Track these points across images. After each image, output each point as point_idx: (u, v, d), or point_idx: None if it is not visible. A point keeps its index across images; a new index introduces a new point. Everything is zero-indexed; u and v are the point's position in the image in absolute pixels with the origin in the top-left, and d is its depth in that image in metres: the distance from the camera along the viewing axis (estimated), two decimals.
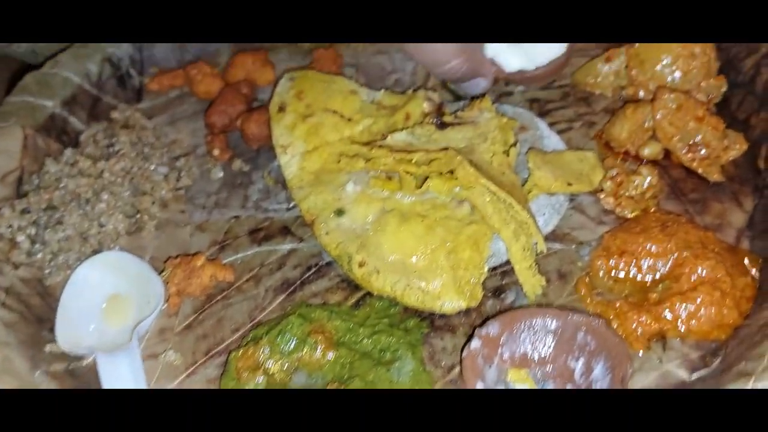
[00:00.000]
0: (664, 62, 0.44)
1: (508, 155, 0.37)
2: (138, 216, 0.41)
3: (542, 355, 0.32)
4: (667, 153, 0.41)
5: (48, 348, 0.35)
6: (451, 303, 0.34)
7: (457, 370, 0.33)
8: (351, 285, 0.37)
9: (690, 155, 0.40)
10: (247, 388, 0.32)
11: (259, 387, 0.32)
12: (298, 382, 0.33)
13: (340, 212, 0.38)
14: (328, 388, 0.32)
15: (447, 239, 0.35)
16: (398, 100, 0.42)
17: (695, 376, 0.31)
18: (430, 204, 0.36)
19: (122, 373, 0.32)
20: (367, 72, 0.50)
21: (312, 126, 0.42)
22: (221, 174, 0.44)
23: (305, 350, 0.33)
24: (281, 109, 0.43)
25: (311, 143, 0.41)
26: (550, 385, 0.31)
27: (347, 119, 0.42)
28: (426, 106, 0.40)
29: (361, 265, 0.36)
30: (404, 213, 0.36)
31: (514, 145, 0.38)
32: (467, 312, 0.35)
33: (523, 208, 0.34)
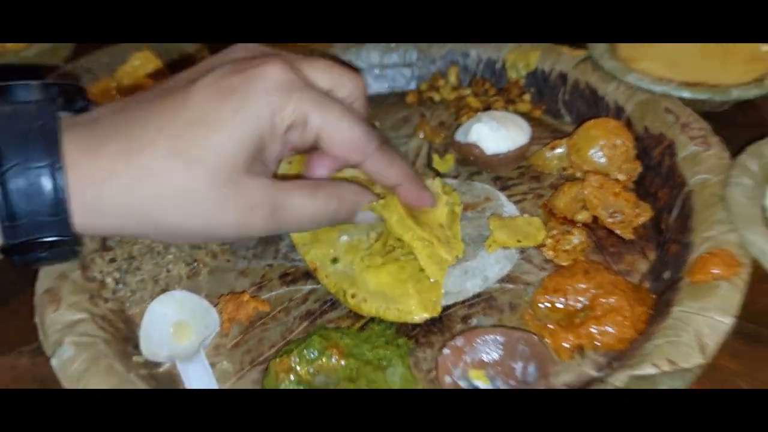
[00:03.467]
0: (594, 150, 0.57)
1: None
2: (195, 264, 0.54)
3: (493, 360, 0.44)
4: (595, 218, 0.55)
5: (135, 359, 0.47)
6: (419, 316, 0.47)
7: (433, 372, 0.45)
8: (356, 315, 0.50)
9: (610, 220, 0.54)
10: (282, 386, 0.45)
11: (291, 385, 0.45)
12: (319, 382, 0.45)
13: (335, 260, 0.51)
14: (340, 387, 0.44)
15: (413, 273, 0.48)
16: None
17: (602, 374, 0.43)
18: (401, 252, 0.49)
19: (198, 374, 0.45)
20: None
21: None
22: None
23: (323, 359, 0.45)
24: None
25: None
26: (499, 382, 0.43)
27: None
28: None
29: (353, 296, 0.48)
30: (383, 257, 0.49)
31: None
32: (442, 333, 0.47)
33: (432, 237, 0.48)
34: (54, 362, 0.44)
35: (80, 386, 0.42)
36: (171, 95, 0.39)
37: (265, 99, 0.38)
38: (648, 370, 0.39)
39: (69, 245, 0.38)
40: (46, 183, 0.35)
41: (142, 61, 0.68)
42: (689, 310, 0.42)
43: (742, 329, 0.44)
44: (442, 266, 0.48)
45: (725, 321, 0.41)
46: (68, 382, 0.43)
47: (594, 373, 0.44)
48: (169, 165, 0.37)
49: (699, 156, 0.53)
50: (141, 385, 0.43)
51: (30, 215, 0.35)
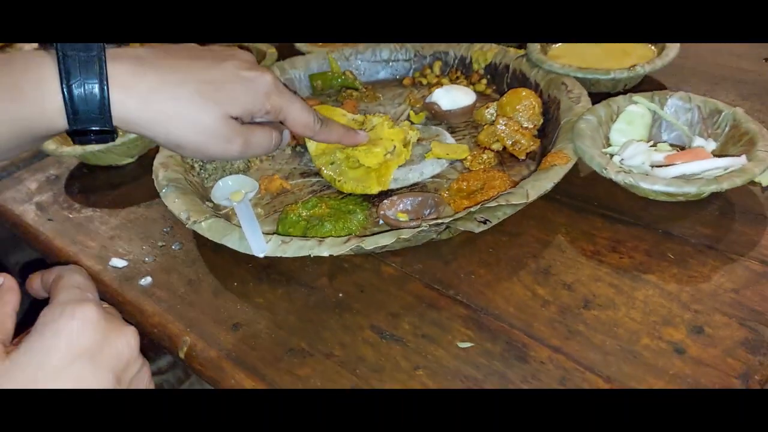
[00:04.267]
0: (511, 108, 0.87)
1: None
2: (249, 162, 0.86)
3: (413, 208, 0.73)
4: (504, 148, 0.84)
5: (207, 203, 0.79)
6: (377, 189, 0.76)
7: (377, 218, 0.75)
8: (340, 192, 0.80)
9: (513, 148, 0.82)
10: (288, 219, 0.75)
11: (294, 217, 0.75)
12: (313, 219, 0.75)
13: (332, 163, 0.81)
14: (325, 222, 0.74)
15: (374, 169, 0.78)
16: (362, 119, 0.86)
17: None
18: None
19: (244, 210, 0.75)
20: (370, 112, 0.96)
21: None
22: (289, 150, 0.89)
23: (317, 208, 0.75)
24: None
25: None
26: (414, 221, 0.72)
27: None
28: (374, 120, 0.84)
29: (339, 182, 0.79)
30: (359, 162, 0.79)
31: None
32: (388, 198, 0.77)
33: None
34: (162, 193, 0.76)
35: (176, 206, 0.74)
36: (205, 60, 0.56)
37: (260, 92, 0.58)
38: (493, 204, 0.68)
39: (109, 134, 0.52)
40: (97, 94, 0.49)
41: None
42: (530, 179, 0.71)
43: (573, 204, 0.73)
44: (378, 159, 0.78)
45: (547, 185, 0.70)
46: (169, 204, 0.74)
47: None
48: (190, 100, 0.53)
49: (572, 108, 0.81)
50: (209, 211, 0.75)
51: (85, 113, 0.49)
